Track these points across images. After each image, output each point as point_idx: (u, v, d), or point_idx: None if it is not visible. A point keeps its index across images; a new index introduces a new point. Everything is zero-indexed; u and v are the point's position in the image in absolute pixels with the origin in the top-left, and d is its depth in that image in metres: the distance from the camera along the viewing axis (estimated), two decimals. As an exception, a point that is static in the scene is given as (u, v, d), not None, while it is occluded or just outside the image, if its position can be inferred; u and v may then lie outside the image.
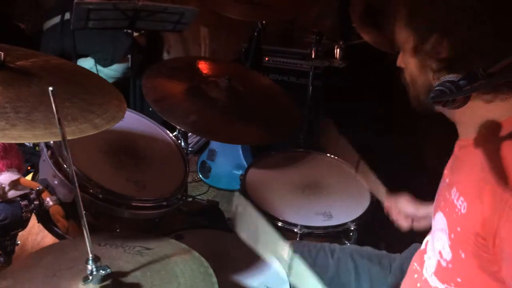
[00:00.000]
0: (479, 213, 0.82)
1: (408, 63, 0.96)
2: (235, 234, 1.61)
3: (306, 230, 1.66)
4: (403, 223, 1.42)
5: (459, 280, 0.92)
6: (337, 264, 1.43)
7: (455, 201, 0.90)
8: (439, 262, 0.97)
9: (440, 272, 0.98)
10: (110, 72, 3.10)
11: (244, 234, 1.34)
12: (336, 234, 1.70)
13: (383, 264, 1.42)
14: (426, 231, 1.16)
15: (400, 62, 1.00)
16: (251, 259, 1.47)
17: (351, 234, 1.69)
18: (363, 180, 1.66)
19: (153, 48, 3.52)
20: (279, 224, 1.68)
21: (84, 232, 0.90)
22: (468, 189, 0.87)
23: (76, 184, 0.89)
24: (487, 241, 0.81)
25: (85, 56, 3.05)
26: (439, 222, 0.96)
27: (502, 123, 0.85)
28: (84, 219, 0.90)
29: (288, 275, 1.36)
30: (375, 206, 1.79)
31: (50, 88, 0.75)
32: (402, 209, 1.42)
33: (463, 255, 0.89)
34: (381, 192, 1.55)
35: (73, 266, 1.00)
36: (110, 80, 3.16)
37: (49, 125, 0.91)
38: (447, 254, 0.93)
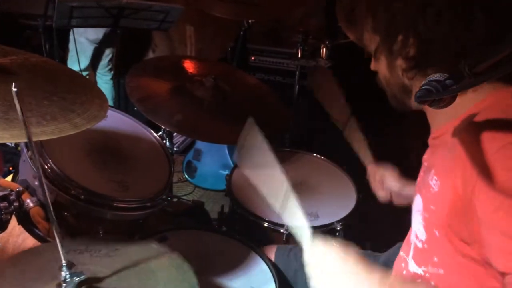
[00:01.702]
0: (452, 189, 0.84)
1: (379, 65, 1.00)
2: (220, 235, 1.60)
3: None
4: (382, 194, 1.43)
5: (435, 259, 0.93)
6: None
7: (429, 181, 0.93)
8: (415, 245, 0.99)
9: (417, 255, 0.99)
10: (91, 34, 3.07)
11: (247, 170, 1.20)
12: (322, 234, 1.69)
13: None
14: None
15: (373, 65, 1.03)
16: (236, 260, 1.46)
17: (337, 234, 1.69)
18: (352, 140, 1.59)
19: (137, 46, 3.49)
20: (266, 224, 1.67)
21: (56, 237, 0.88)
22: (441, 168, 0.91)
23: (45, 186, 0.86)
24: (462, 217, 0.84)
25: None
26: (417, 204, 0.99)
27: (471, 109, 0.88)
28: (56, 223, 0.88)
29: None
30: (361, 206, 1.79)
31: (14, 89, 0.72)
32: (387, 183, 1.41)
33: (437, 233, 0.91)
34: (368, 157, 1.52)
35: (49, 272, 0.98)
36: (92, 46, 3.15)
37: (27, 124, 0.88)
38: (422, 235, 0.96)
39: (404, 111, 1.01)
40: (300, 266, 1.40)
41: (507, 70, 0.63)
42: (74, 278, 0.90)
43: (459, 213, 0.84)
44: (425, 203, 0.95)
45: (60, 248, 0.88)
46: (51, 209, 0.87)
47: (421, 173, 1.07)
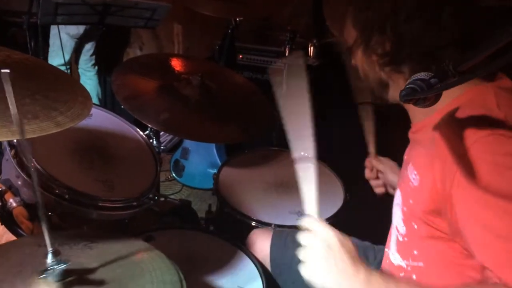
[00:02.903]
0: (430, 185, 0.86)
1: (357, 60, 1.03)
2: (207, 234, 1.60)
3: (279, 230, 1.64)
4: (377, 185, 1.46)
5: (415, 252, 0.95)
6: None
7: (409, 175, 0.95)
8: (397, 238, 1.01)
9: (400, 248, 1.01)
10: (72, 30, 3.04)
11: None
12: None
13: (368, 256, 1.41)
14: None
15: (352, 61, 1.05)
16: (223, 260, 1.46)
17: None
18: (364, 125, 1.59)
19: (124, 44, 3.46)
20: (253, 223, 1.66)
21: (43, 225, 0.86)
22: (420, 163, 0.93)
23: (36, 181, 0.84)
24: (441, 211, 0.85)
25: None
26: (397, 197, 1.01)
27: (450, 104, 0.90)
28: (43, 210, 0.86)
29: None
30: (349, 204, 1.80)
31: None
32: (385, 175, 1.44)
33: (415, 226, 0.93)
34: (372, 149, 1.52)
35: (32, 264, 0.96)
36: (73, 41, 3.11)
37: (7, 122, 0.87)
38: (402, 228, 0.98)
39: (382, 104, 1.05)
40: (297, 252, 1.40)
41: (490, 69, 0.63)
42: (61, 265, 0.89)
43: (438, 207, 0.86)
44: (404, 197, 0.97)
45: (46, 235, 0.87)
46: (40, 202, 0.85)
47: (402, 169, 1.08)
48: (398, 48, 0.91)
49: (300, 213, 1.74)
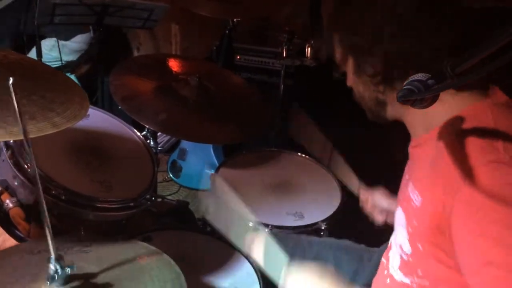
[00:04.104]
0: (432, 206, 0.84)
1: (350, 82, 1.02)
2: (205, 235, 1.59)
3: (277, 231, 1.64)
4: (378, 217, 1.43)
5: (420, 272, 0.93)
6: (316, 257, 1.42)
7: (411, 195, 0.93)
8: (401, 257, 0.99)
9: (404, 266, 0.99)
10: (74, 44, 3.00)
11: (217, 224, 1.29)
12: (307, 234, 1.69)
13: (363, 258, 1.41)
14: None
15: (348, 82, 1.04)
16: (221, 260, 1.46)
17: (321, 234, 1.69)
18: (339, 174, 1.62)
19: (121, 44, 3.45)
20: (250, 224, 1.66)
21: (47, 230, 0.86)
22: (421, 183, 0.91)
23: (39, 183, 0.84)
24: (443, 234, 0.83)
25: (44, 37, 2.93)
26: (399, 217, 0.99)
27: (451, 120, 0.88)
28: (47, 216, 0.85)
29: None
30: (346, 205, 1.80)
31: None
32: (377, 203, 1.42)
33: (421, 248, 0.90)
34: (354, 184, 1.53)
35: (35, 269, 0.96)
36: (76, 54, 3.09)
37: (4, 123, 0.87)
38: (407, 248, 0.95)
39: (381, 123, 1.04)
40: (292, 256, 1.40)
41: (488, 71, 0.63)
42: (67, 270, 0.89)
43: (440, 229, 0.84)
44: (408, 218, 0.95)
45: (49, 241, 0.87)
46: (44, 204, 0.84)
47: (402, 185, 1.06)
48: (388, 67, 0.90)
49: (298, 214, 1.74)
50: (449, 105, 0.89)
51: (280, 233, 1.52)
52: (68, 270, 0.90)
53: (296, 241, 1.46)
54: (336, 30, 0.99)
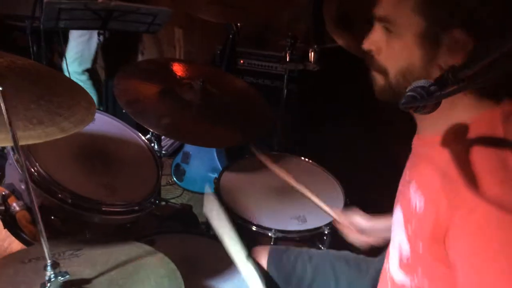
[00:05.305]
0: (434, 215, 0.83)
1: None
2: (208, 238, 1.60)
3: (280, 235, 1.65)
4: (360, 239, 1.37)
5: (419, 271, 0.93)
6: (316, 270, 1.41)
7: (412, 197, 0.91)
8: (400, 256, 0.98)
9: (403, 266, 0.99)
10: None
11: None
12: (310, 237, 1.70)
13: (361, 268, 1.41)
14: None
15: (370, 44, 0.92)
16: (223, 264, 1.45)
17: (325, 238, 1.69)
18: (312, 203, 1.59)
19: (126, 49, 3.47)
20: (253, 228, 1.67)
21: (41, 237, 0.87)
22: (426, 188, 0.88)
23: (31, 189, 0.85)
24: (441, 244, 0.84)
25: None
26: (398, 216, 0.98)
27: (458, 128, 0.85)
28: (41, 224, 0.87)
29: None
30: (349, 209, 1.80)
31: None
32: (356, 225, 1.37)
33: (420, 250, 0.90)
34: (329, 210, 1.49)
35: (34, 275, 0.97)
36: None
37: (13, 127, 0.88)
38: (406, 248, 0.95)
39: (392, 103, 0.88)
40: (293, 269, 1.41)
41: (490, 78, 0.63)
42: (59, 278, 0.90)
43: (438, 239, 0.84)
44: (407, 219, 0.93)
45: (45, 247, 0.88)
46: (37, 209, 0.86)
47: (402, 184, 1.04)
48: (485, 43, 0.78)
49: (301, 218, 1.75)
50: (458, 113, 0.87)
51: (282, 250, 1.51)
52: (65, 277, 0.91)
53: (297, 255, 1.46)
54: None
